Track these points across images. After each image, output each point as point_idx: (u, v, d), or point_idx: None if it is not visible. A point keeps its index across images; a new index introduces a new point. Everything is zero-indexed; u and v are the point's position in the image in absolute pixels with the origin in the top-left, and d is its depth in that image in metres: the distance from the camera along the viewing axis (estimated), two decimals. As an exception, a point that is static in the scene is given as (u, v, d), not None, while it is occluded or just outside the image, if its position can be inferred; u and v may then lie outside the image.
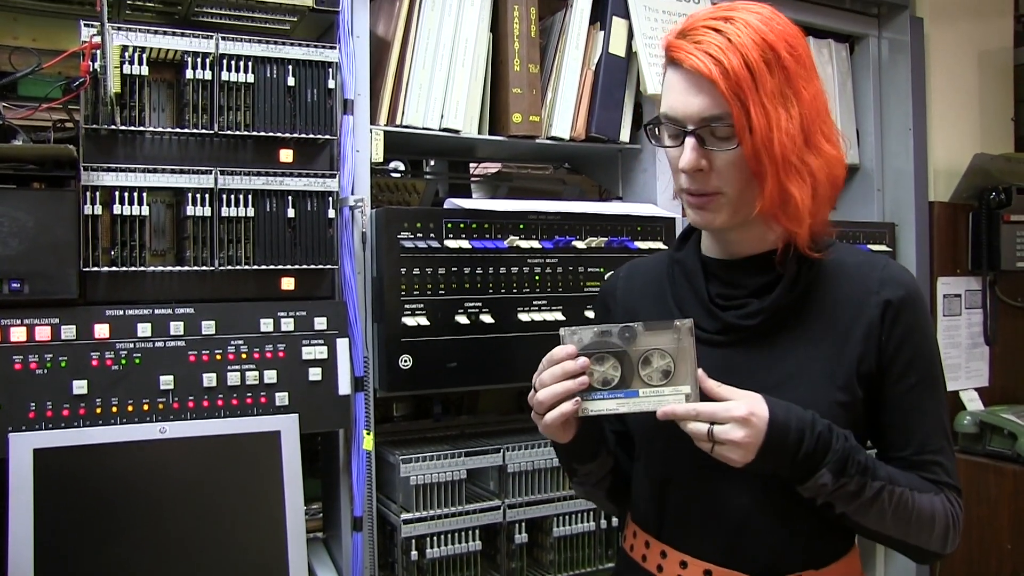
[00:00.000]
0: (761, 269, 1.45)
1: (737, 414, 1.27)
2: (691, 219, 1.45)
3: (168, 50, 1.92)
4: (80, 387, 1.82)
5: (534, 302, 2.26)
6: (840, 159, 1.41)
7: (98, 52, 1.80)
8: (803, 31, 1.42)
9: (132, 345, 1.87)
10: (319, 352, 2.02)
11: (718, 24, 1.35)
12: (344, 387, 2.04)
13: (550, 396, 1.37)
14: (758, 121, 1.31)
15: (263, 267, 2.00)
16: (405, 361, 2.10)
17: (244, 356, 1.95)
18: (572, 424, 1.43)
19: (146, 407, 1.87)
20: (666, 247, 2.43)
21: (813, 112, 1.37)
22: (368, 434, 2.08)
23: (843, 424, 1.36)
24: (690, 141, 1.36)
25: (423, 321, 2.11)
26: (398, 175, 3.00)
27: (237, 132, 1.98)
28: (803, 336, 1.42)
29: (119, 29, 1.87)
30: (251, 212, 1.98)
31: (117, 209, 1.88)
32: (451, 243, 2.16)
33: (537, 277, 2.27)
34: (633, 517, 1.59)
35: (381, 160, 2.21)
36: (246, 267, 1.98)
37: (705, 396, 1.32)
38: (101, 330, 1.85)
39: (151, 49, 1.91)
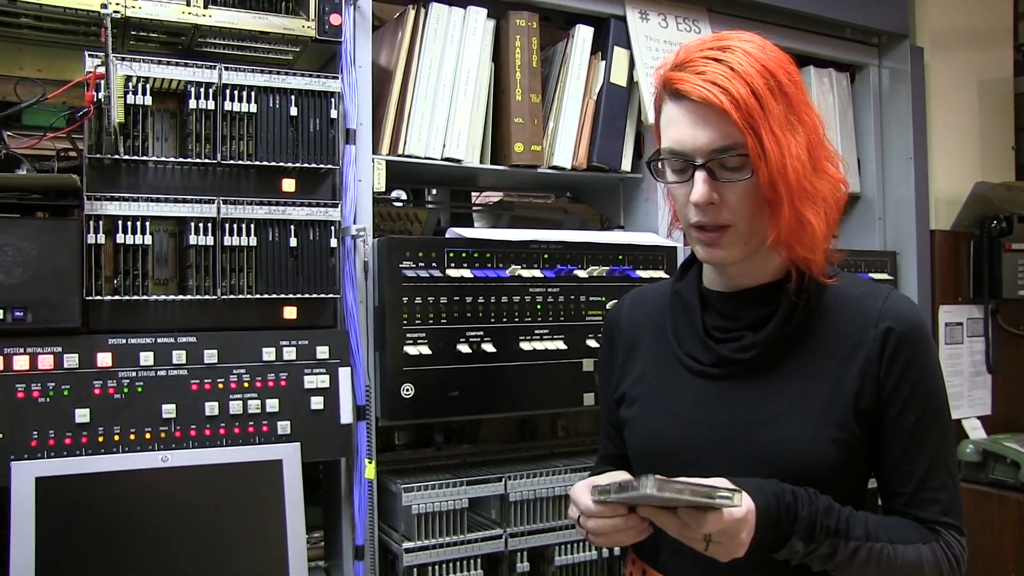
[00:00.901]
0: (759, 301, 1.44)
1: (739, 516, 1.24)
2: (702, 256, 1.42)
3: (171, 80, 1.94)
4: (83, 415, 1.82)
5: (536, 331, 2.26)
6: (842, 180, 1.42)
7: (102, 82, 1.82)
8: (804, 60, 1.43)
9: (134, 374, 1.87)
10: (321, 381, 2.02)
11: (716, 54, 1.34)
12: (346, 416, 2.04)
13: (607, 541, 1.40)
14: (771, 148, 1.30)
15: (265, 296, 2.00)
16: (407, 390, 2.10)
17: (246, 385, 1.96)
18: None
19: (148, 436, 1.87)
20: (667, 276, 2.43)
21: (815, 136, 1.37)
22: (370, 463, 2.08)
23: (838, 462, 1.36)
24: (701, 174, 1.33)
25: (425, 350, 2.11)
26: (400, 204, 3.01)
27: (240, 162, 1.99)
28: (801, 370, 1.41)
29: (123, 59, 1.89)
30: (253, 241, 1.99)
31: (120, 238, 1.88)
32: (453, 272, 2.16)
33: (539, 306, 2.27)
34: (633, 546, 1.58)
35: (383, 189, 2.22)
36: (248, 296, 1.99)
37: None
38: (104, 359, 1.85)
39: (155, 79, 1.92)
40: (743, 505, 1.23)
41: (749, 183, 1.33)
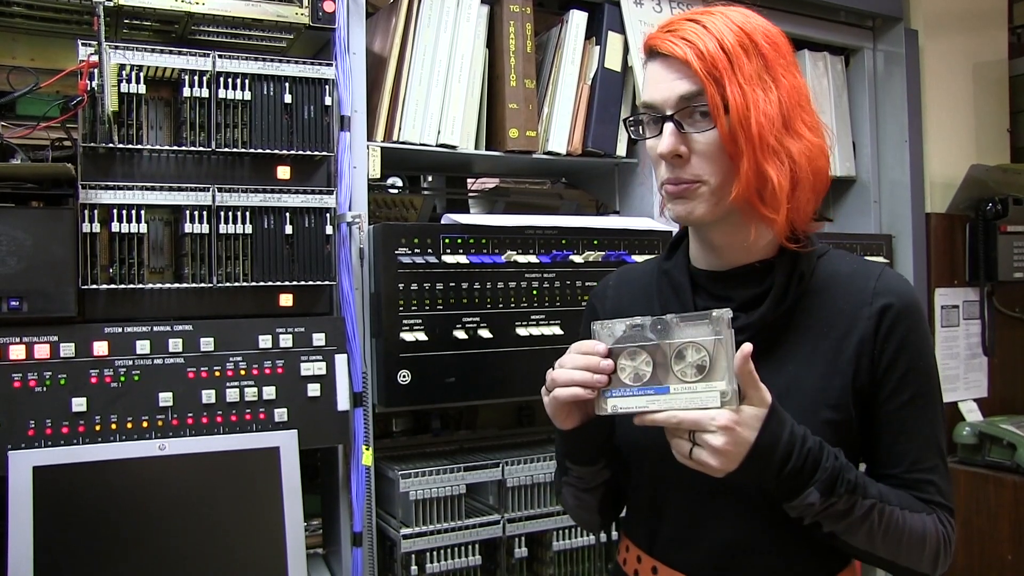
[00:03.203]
0: (750, 281, 1.42)
1: (720, 422, 1.20)
2: (671, 212, 1.41)
3: (165, 68, 1.93)
4: (79, 404, 1.82)
5: (532, 317, 2.26)
6: (823, 148, 1.39)
7: (96, 71, 1.81)
8: (798, 44, 1.42)
9: (131, 362, 1.87)
10: (318, 368, 2.02)
11: (695, 16, 1.38)
12: (343, 403, 2.04)
13: (566, 378, 1.31)
14: (734, 100, 1.30)
15: (261, 284, 2.00)
16: (404, 376, 2.10)
17: (243, 372, 1.96)
18: (577, 413, 1.38)
19: (145, 424, 1.87)
20: (664, 260, 2.43)
21: (794, 99, 1.36)
22: (367, 449, 2.08)
23: (841, 442, 1.33)
24: (668, 126, 1.35)
25: (421, 336, 2.11)
26: (395, 191, 3.01)
27: (234, 149, 1.98)
28: (794, 351, 1.39)
29: (116, 48, 1.88)
30: (249, 229, 1.99)
31: (115, 227, 1.88)
32: (449, 258, 2.16)
33: (535, 292, 2.27)
34: (626, 532, 1.57)
35: (378, 176, 2.21)
36: (244, 284, 1.99)
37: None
38: (100, 347, 1.85)
39: (148, 67, 1.92)
40: (725, 419, 1.21)
41: (715, 134, 1.33)
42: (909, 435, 1.37)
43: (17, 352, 1.79)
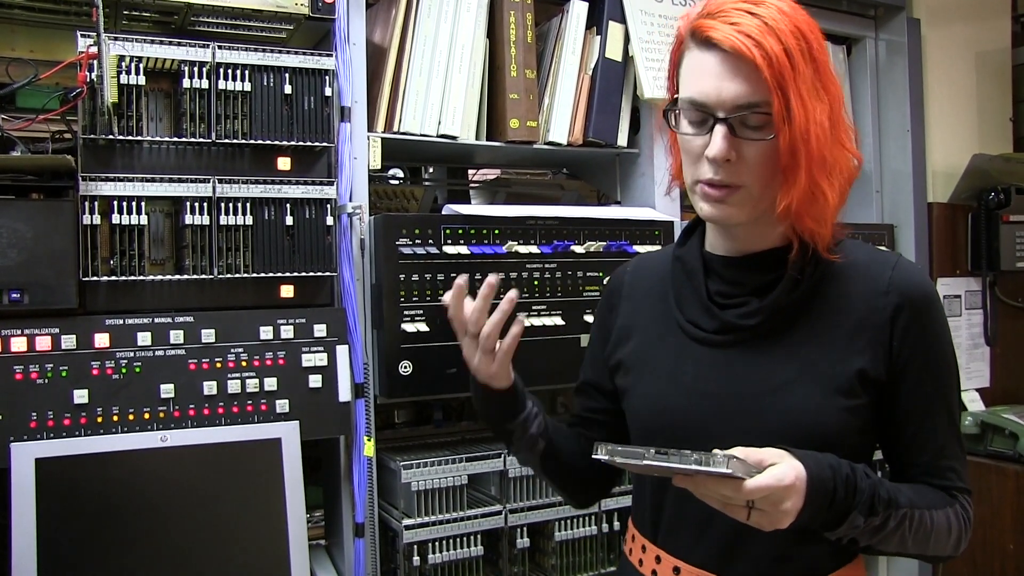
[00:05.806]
0: (764, 267, 1.41)
1: (787, 483, 1.17)
2: (706, 213, 1.37)
3: (165, 60, 1.93)
4: (81, 396, 1.82)
5: (533, 307, 2.26)
6: (857, 155, 1.40)
7: (95, 62, 1.81)
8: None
9: (132, 354, 1.87)
10: (319, 359, 2.02)
11: (750, 7, 1.29)
12: (344, 394, 2.04)
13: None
14: (797, 112, 1.26)
15: (262, 275, 2.00)
16: (405, 367, 2.10)
17: (244, 364, 1.96)
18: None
19: (147, 416, 1.87)
20: (665, 250, 2.43)
21: (837, 107, 1.34)
22: (369, 440, 2.09)
23: (849, 431, 1.34)
24: (721, 129, 1.29)
25: (423, 327, 2.11)
26: (396, 182, 3.00)
27: (235, 140, 1.98)
28: (807, 337, 1.38)
29: (116, 39, 1.88)
30: (249, 220, 1.99)
31: (116, 219, 1.88)
32: (450, 249, 2.16)
33: (536, 282, 2.27)
34: (632, 520, 1.58)
35: (379, 167, 2.21)
36: (245, 275, 1.99)
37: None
38: (101, 339, 1.85)
39: (148, 59, 1.91)
40: (792, 472, 1.17)
41: (769, 144, 1.29)
42: (931, 425, 1.38)
43: (19, 344, 1.79)
